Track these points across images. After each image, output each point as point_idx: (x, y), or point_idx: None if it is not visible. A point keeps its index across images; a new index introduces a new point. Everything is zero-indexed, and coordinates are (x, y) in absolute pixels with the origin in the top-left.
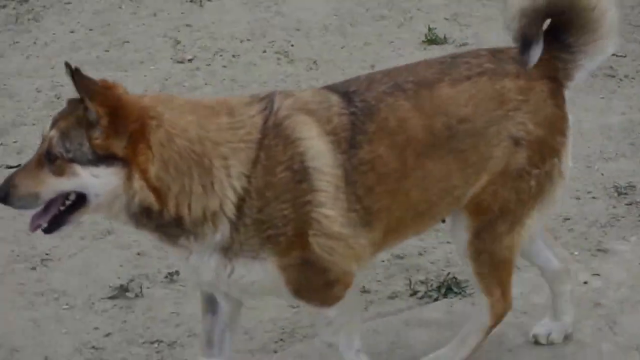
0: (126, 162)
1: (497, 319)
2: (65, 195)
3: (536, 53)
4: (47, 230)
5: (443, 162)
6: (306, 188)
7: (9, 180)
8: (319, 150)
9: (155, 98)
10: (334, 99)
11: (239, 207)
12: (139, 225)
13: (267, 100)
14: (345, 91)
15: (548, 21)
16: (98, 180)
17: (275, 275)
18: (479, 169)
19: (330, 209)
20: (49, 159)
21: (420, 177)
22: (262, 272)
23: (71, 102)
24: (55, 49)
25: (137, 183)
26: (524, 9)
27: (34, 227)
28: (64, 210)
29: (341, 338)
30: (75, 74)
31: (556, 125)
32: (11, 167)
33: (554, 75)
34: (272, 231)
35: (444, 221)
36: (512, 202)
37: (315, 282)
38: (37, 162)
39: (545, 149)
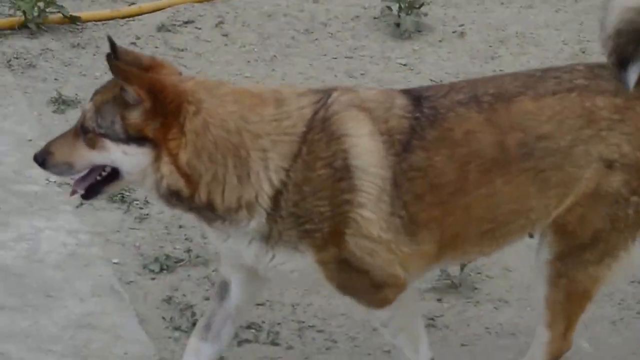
0: (156, 144)
1: (553, 358)
2: (102, 167)
3: (634, 76)
4: (84, 197)
5: (516, 181)
6: (346, 187)
7: (48, 147)
8: (365, 149)
9: (199, 83)
10: (400, 101)
11: (276, 199)
12: (170, 205)
13: (324, 93)
14: (418, 95)
15: None
16: (128, 158)
17: (314, 269)
18: (562, 192)
19: (370, 211)
20: (84, 131)
21: (484, 195)
22: (302, 263)
23: (113, 78)
24: None
25: (166, 167)
26: (619, 30)
27: (72, 192)
28: (100, 181)
29: (403, 342)
30: (111, 54)
31: None
32: None
33: None
34: (309, 226)
35: (531, 236)
36: (606, 230)
37: (360, 282)
38: (75, 132)
39: None
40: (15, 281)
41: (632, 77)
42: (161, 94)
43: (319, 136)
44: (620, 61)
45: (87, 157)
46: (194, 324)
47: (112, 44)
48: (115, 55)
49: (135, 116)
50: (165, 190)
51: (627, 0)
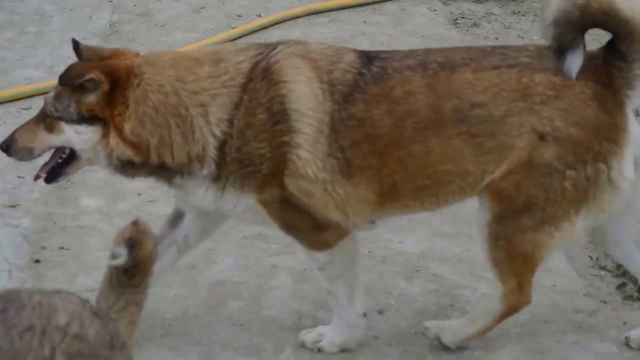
0: (105, 121)
1: (510, 309)
2: (62, 150)
3: (574, 62)
4: (46, 180)
5: (450, 143)
6: (284, 129)
7: (12, 134)
8: (303, 94)
9: (146, 57)
10: (349, 57)
11: (221, 148)
12: (128, 175)
13: (269, 47)
14: (372, 56)
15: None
16: (80, 137)
17: (258, 209)
18: (497, 158)
19: (307, 151)
20: (43, 118)
21: (419, 151)
22: (247, 205)
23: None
24: None
25: (113, 140)
26: (557, 20)
27: (35, 177)
28: (61, 163)
29: (339, 290)
30: (75, 47)
31: (600, 130)
32: None
33: (608, 81)
34: (252, 168)
35: None
36: (541, 198)
37: (301, 223)
38: (36, 120)
39: (582, 151)
40: (447, 211)
41: (572, 65)
42: (115, 75)
43: (260, 84)
44: (559, 50)
45: (45, 140)
46: (618, 266)
47: (75, 43)
48: (78, 55)
49: (89, 99)
50: (117, 162)
51: None
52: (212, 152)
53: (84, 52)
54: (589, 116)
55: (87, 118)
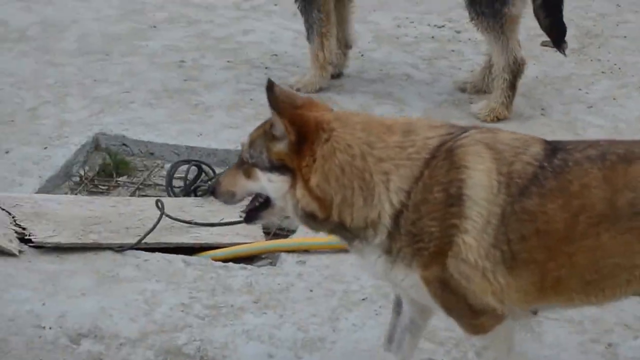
0: (294, 172)
1: None
2: (260, 195)
3: None
4: (245, 220)
5: (622, 238)
6: (455, 212)
7: (218, 178)
8: (480, 183)
9: (338, 114)
10: (534, 150)
11: (396, 218)
12: (313, 227)
13: (461, 129)
14: (557, 147)
15: None
16: (273, 185)
17: (421, 286)
18: None
19: (473, 238)
20: (242, 163)
21: (589, 246)
22: (412, 280)
23: (267, 119)
24: None
25: (300, 191)
26: None
27: (240, 216)
28: (257, 207)
29: None
30: (269, 89)
31: None
32: None
33: None
34: (421, 244)
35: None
36: None
37: (459, 305)
38: (237, 165)
39: None
40: None
41: None
42: (304, 127)
43: (442, 163)
44: None
45: (243, 185)
46: None
47: (270, 83)
48: (272, 92)
49: (278, 147)
50: (302, 212)
51: None
52: (386, 220)
53: (277, 92)
54: None
55: (278, 167)
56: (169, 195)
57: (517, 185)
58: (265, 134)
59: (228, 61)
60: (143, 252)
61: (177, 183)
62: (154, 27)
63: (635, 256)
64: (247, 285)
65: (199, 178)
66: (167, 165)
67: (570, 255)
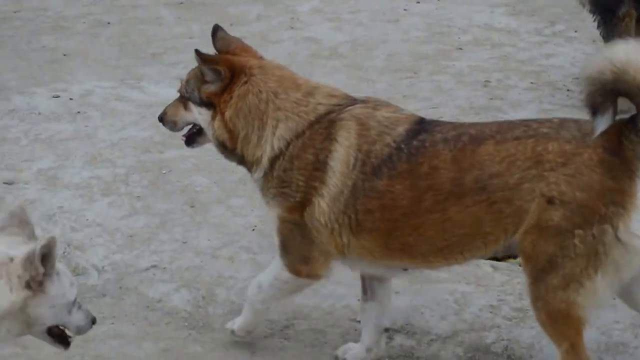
0: (216, 106)
1: None
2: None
3: (601, 123)
4: (186, 143)
5: (470, 210)
6: (318, 177)
7: (165, 109)
8: (342, 157)
9: (262, 62)
10: (399, 130)
11: (273, 162)
12: (225, 156)
13: (349, 101)
14: (423, 128)
15: None
16: (201, 117)
17: (275, 222)
18: (515, 221)
19: (326, 203)
20: (181, 97)
21: (436, 219)
22: (270, 215)
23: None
24: None
25: (217, 123)
26: (591, 78)
27: (182, 138)
28: (193, 133)
29: (247, 309)
30: (214, 32)
31: (605, 195)
32: None
33: (618, 150)
34: (286, 190)
35: None
36: (557, 256)
37: (297, 247)
38: (178, 98)
39: (588, 213)
40: None
41: (597, 126)
42: (234, 71)
43: (321, 131)
44: (590, 109)
45: (182, 116)
46: None
47: (215, 27)
48: (213, 40)
49: (208, 88)
50: (217, 141)
51: (608, 52)
52: (265, 161)
53: (218, 42)
54: (594, 181)
55: (206, 102)
56: None
57: (372, 164)
58: (196, 76)
59: (531, 82)
60: None
61: None
62: (460, 48)
63: (484, 224)
64: None
65: None
66: None
67: (416, 227)
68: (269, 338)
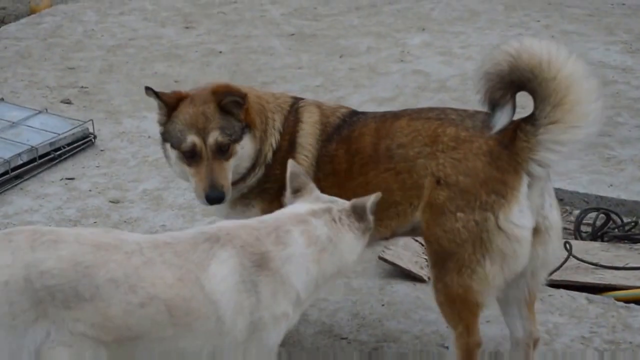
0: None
1: (464, 352)
2: None
3: (501, 119)
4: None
5: (383, 176)
6: (290, 157)
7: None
8: (308, 131)
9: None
10: (344, 110)
11: (274, 154)
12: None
13: (300, 98)
14: (362, 112)
15: None
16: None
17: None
18: (416, 193)
19: None
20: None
21: (363, 183)
22: (250, 214)
23: None
24: None
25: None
26: (488, 72)
27: None
28: None
29: None
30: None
31: (487, 183)
32: None
33: (510, 144)
34: (267, 185)
35: None
36: (444, 239)
37: None
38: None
39: (470, 197)
40: None
41: (497, 122)
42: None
43: (291, 116)
44: (489, 105)
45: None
46: None
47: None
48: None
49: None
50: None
51: (503, 45)
52: (270, 154)
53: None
54: (477, 168)
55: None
56: (576, 239)
57: (328, 133)
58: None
59: None
60: (548, 288)
61: (584, 229)
62: None
63: (394, 193)
64: None
65: (607, 225)
66: (576, 212)
67: (352, 190)
68: None
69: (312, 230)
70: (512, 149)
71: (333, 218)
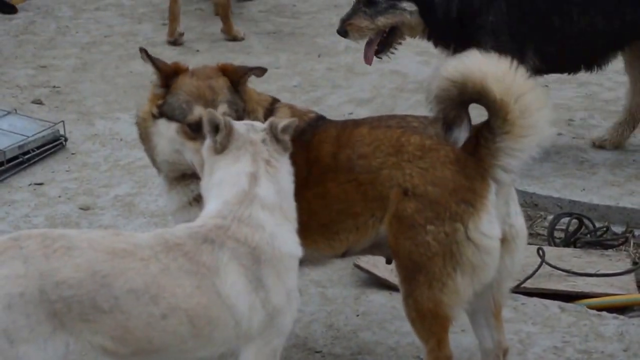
0: None
1: None
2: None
3: (459, 135)
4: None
5: (343, 187)
6: None
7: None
8: None
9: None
10: (312, 115)
11: None
12: None
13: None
14: (331, 120)
15: None
16: None
17: None
18: (380, 205)
19: None
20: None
21: (320, 193)
22: None
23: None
24: None
25: None
26: (438, 96)
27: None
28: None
29: None
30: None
31: (456, 192)
32: None
33: (472, 148)
34: None
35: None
36: (415, 253)
37: None
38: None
39: (439, 208)
40: None
41: (458, 137)
42: None
43: (268, 116)
44: (444, 124)
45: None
46: None
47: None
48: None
49: None
50: None
51: (444, 71)
52: None
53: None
54: (446, 177)
55: None
56: (550, 245)
57: (292, 137)
58: None
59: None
60: (521, 296)
61: (557, 234)
62: (546, 85)
63: (355, 204)
64: (618, 334)
65: (579, 230)
66: (550, 217)
67: (309, 201)
68: None
69: (265, 198)
70: (476, 155)
71: (268, 165)
